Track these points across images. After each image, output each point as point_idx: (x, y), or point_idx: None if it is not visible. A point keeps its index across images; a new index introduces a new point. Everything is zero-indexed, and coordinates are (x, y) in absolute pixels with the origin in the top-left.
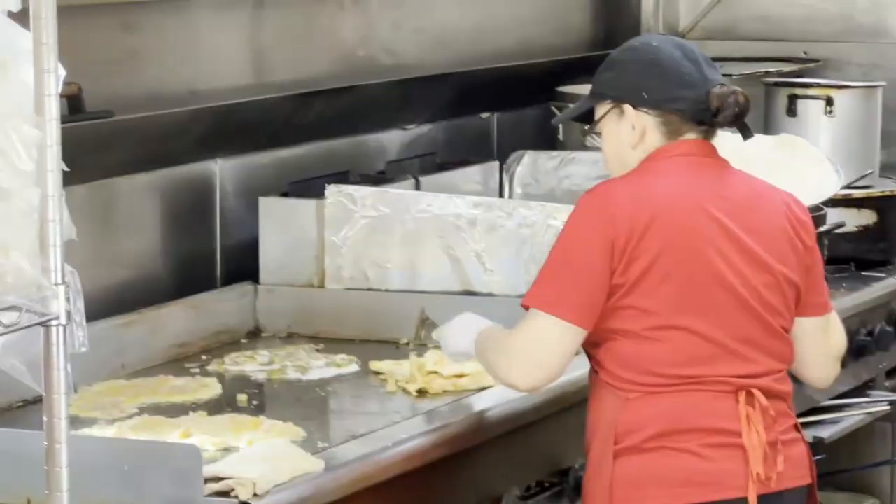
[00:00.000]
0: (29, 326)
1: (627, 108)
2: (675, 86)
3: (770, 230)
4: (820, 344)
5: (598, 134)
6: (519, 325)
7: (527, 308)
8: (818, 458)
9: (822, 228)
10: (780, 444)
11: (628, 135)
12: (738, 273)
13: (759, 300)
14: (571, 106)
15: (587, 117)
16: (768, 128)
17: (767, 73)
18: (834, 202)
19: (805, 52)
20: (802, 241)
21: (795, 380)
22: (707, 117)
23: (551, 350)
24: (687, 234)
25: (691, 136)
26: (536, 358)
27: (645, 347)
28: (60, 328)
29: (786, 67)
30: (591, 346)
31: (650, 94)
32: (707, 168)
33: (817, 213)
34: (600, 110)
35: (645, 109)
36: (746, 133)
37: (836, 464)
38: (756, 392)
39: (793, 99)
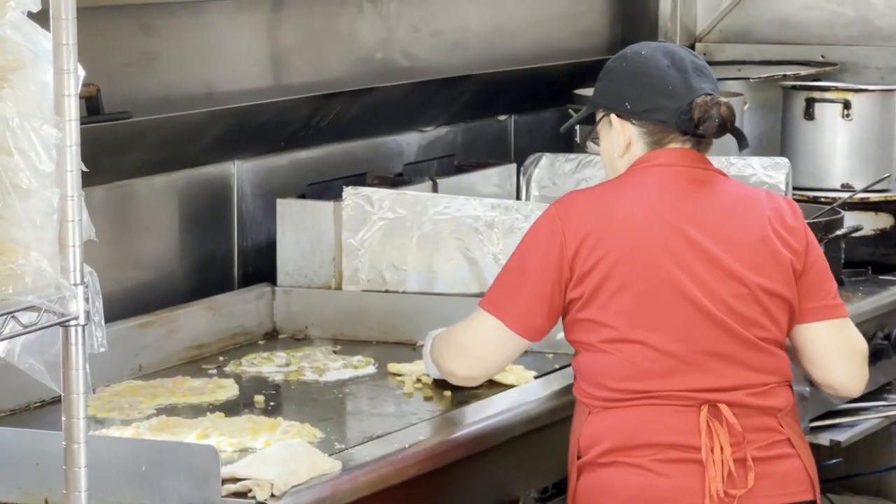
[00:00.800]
0: (48, 326)
1: (614, 118)
2: (657, 95)
3: (746, 241)
4: (839, 346)
5: (598, 140)
6: (466, 319)
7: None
8: (834, 461)
9: (838, 232)
10: (757, 460)
11: (616, 143)
12: (703, 285)
13: (728, 312)
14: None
15: (593, 122)
16: (786, 131)
17: (785, 77)
18: (851, 206)
19: (823, 56)
20: (791, 248)
21: (812, 388)
22: (689, 128)
23: (489, 349)
24: (644, 246)
25: (676, 145)
26: (474, 353)
27: (600, 360)
28: (79, 328)
29: (803, 71)
30: (572, 359)
31: (632, 105)
32: (682, 178)
33: (834, 217)
34: (597, 117)
35: (629, 119)
36: (742, 143)
37: (853, 467)
38: (722, 406)
39: (810, 102)
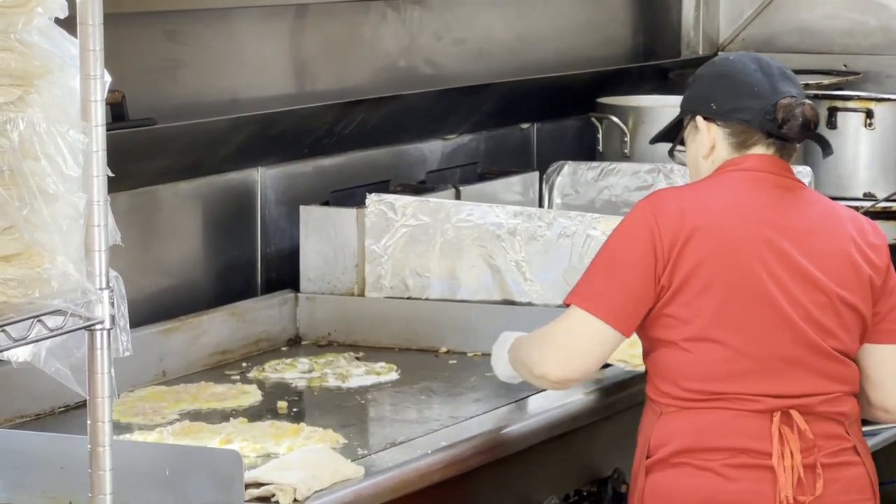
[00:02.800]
0: (74, 330)
1: (700, 119)
2: (742, 96)
3: (829, 252)
4: None
5: (684, 151)
6: (559, 318)
7: (567, 305)
8: None
9: None
10: (825, 467)
11: (701, 145)
12: (786, 291)
13: (807, 320)
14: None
15: (678, 132)
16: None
17: (807, 86)
18: (873, 215)
19: (845, 65)
20: (872, 264)
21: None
22: (773, 128)
23: (584, 344)
24: (730, 247)
25: (760, 150)
26: (569, 349)
27: (678, 358)
28: (105, 332)
29: (826, 80)
30: (644, 357)
31: (717, 105)
32: (768, 184)
33: None
34: (684, 124)
35: (714, 120)
36: (826, 149)
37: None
38: (794, 413)
39: (833, 111)
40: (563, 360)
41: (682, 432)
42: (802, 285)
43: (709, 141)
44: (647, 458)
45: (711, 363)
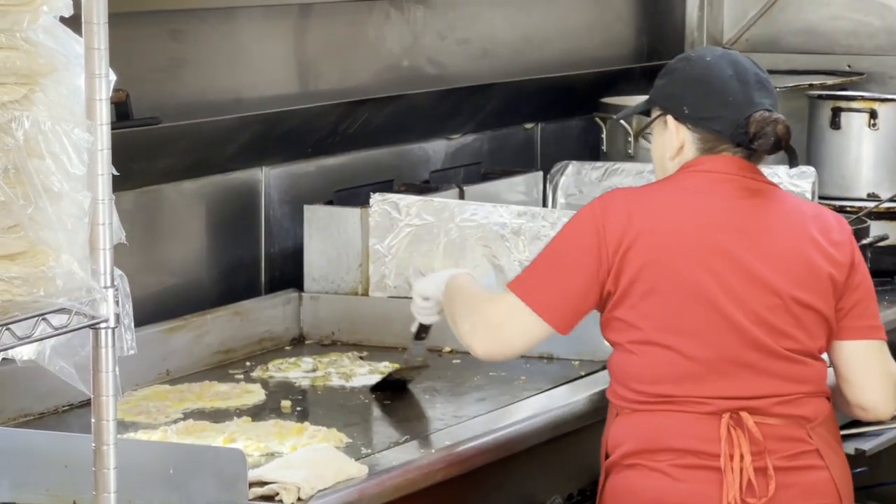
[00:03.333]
0: (78, 329)
1: (670, 119)
2: (716, 105)
3: (785, 253)
4: (876, 368)
5: (650, 136)
6: (497, 298)
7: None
8: (858, 470)
9: (864, 241)
10: (780, 470)
11: (669, 145)
12: (733, 294)
13: (757, 322)
14: (630, 106)
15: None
16: (812, 140)
17: (811, 86)
18: (877, 215)
19: (849, 66)
20: (833, 261)
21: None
22: (744, 141)
23: (513, 330)
24: (674, 252)
25: (727, 154)
26: (499, 331)
27: (628, 361)
28: (109, 331)
29: (830, 80)
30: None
31: (690, 110)
32: (729, 186)
33: (860, 227)
34: (653, 114)
35: (685, 123)
36: (793, 161)
37: (878, 477)
38: (744, 414)
39: (837, 112)
40: (490, 340)
41: (634, 434)
42: (752, 288)
43: (677, 142)
44: (606, 458)
45: (659, 366)
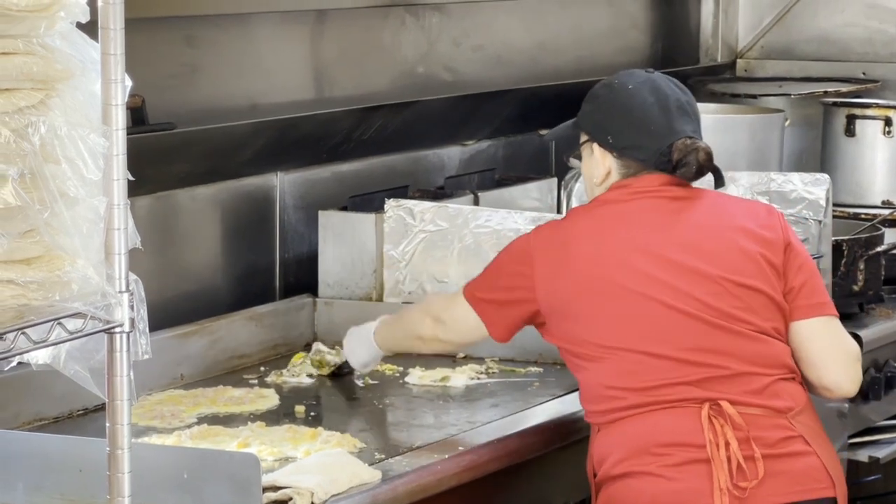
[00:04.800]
0: (93, 333)
1: (596, 147)
2: (639, 134)
3: (715, 246)
4: (830, 344)
5: (580, 157)
6: (452, 298)
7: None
8: (873, 478)
9: (878, 248)
10: (768, 457)
11: (596, 171)
12: (673, 289)
13: (705, 308)
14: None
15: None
16: (826, 148)
17: (826, 94)
18: (891, 222)
19: (864, 73)
20: (763, 241)
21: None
22: (668, 168)
23: (460, 327)
24: (612, 267)
25: (653, 174)
26: (446, 325)
27: (594, 374)
28: (124, 335)
29: (844, 88)
30: None
31: (614, 139)
32: (653, 199)
33: (874, 234)
34: (581, 139)
35: (610, 151)
36: (719, 181)
37: (892, 484)
38: (724, 403)
39: (851, 119)
40: (435, 334)
41: (619, 442)
42: (689, 279)
43: (603, 169)
44: (595, 476)
45: (626, 370)
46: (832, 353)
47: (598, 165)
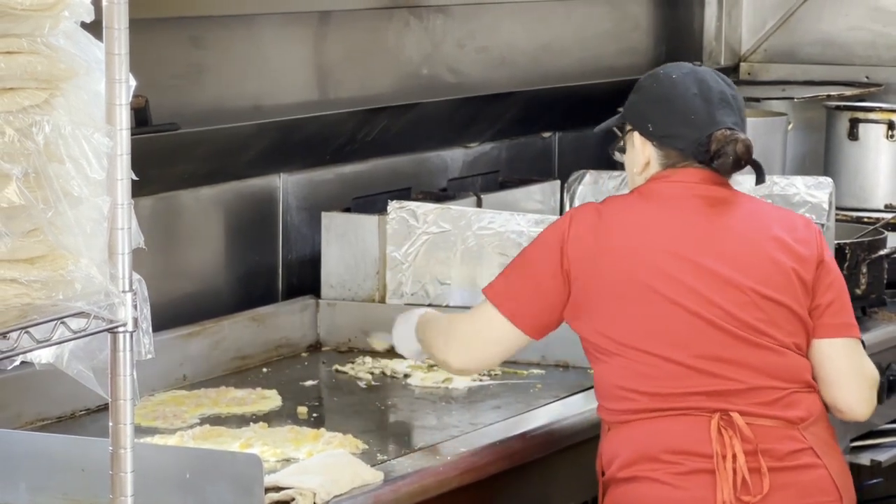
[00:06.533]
0: (96, 332)
1: (636, 135)
2: (679, 123)
3: (746, 253)
4: (850, 367)
5: (624, 149)
6: (471, 310)
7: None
8: (874, 481)
9: (881, 252)
10: (775, 470)
11: (636, 160)
12: (698, 295)
13: (727, 317)
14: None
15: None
16: (829, 151)
17: (829, 97)
18: (894, 226)
19: (867, 77)
20: (797, 256)
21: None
22: (705, 159)
23: (487, 337)
24: (639, 265)
25: (692, 168)
26: (472, 341)
27: (610, 372)
28: (127, 335)
29: (847, 91)
30: None
31: (654, 128)
32: (690, 197)
33: (877, 238)
34: (626, 129)
35: (650, 140)
36: (760, 177)
37: (893, 488)
38: (734, 415)
39: (854, 123)
40: (464, 351)
41: (628, 444)
42: (717, 287)
43: (643, 158)
44: (603, 475)
45: (641, 372)
46: (849, 376)
47: (638, 154)
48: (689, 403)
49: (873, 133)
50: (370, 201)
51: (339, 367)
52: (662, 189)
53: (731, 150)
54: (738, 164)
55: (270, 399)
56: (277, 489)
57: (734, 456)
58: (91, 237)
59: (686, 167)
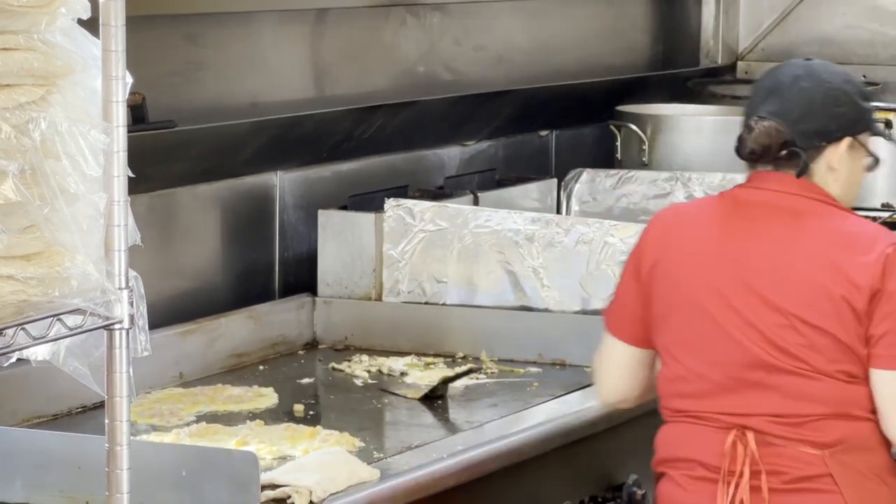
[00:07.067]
0: (93, 329)
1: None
2: (746, 114)
3: (793, 274)
4: (889, 396)
5: None
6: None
7: None
8: None
9: None
10: (777, 491)
11: None
12: (737, 314)
13: (763, 341)
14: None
15: None
16: None
17: None
18: (891, 225)
19: (864, 75)
20: (850, 282)
21: None
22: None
23: (612, 364)
24: (690, 276)
25: (762, 168)
26: (601, 373)
27: (661, 374)
28: (124, 332)
29: None
30: None
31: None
32: (756, 205)
33: None
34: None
35: None
36: (801, 170)
37: None
38: (750, 434)
39: None
40: (600, 385)
41: (662, 443)
42: (757, 309)
43: None
44: (654, 466)
45: (677, 380)
46: (893, 406)
47: None
48: (711, 414)
49: None
50: (367, 199)
51: (336, 365)
52: (737, 194)
53: (745, 137)
54: (755, 155)
55: (267, 397)
56: (274, 487)
57: (740, 473)
58: (87, 234)
59: (766, 172)
